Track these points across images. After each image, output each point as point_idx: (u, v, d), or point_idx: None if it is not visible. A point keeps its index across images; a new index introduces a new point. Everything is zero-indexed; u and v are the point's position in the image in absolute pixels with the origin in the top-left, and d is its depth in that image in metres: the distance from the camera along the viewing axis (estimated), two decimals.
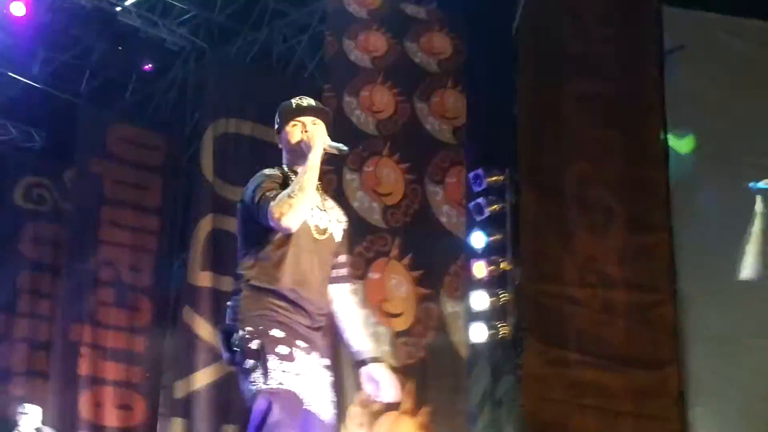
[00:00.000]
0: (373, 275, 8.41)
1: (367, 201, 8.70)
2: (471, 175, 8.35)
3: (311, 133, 3.33)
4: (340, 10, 9.33)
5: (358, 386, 3.38)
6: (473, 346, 7.90)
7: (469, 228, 8.33)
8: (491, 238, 8.13)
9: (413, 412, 8.17)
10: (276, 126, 3.52)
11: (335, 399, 3.30)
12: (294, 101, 3.48)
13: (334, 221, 3.43)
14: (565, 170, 7.65)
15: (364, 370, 3.35)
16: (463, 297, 8.22)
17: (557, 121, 7.79)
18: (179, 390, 10.04)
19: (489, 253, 8.10)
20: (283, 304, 3.19)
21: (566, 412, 6.88)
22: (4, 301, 11.97)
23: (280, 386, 3.04)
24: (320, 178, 3.32)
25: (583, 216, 7.52)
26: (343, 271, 3.50)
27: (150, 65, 11.54)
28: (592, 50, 7.81)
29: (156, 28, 11.14)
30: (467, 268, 8.18)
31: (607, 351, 7.01)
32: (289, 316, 3.18)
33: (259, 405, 3.03)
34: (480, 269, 8.05)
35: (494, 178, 8.22)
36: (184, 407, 9.97)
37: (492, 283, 7.99)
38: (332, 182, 8.27)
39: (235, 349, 3.13)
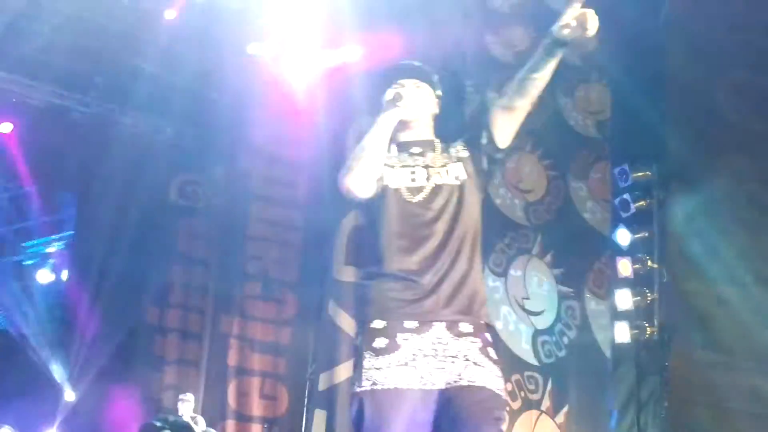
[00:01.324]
0: (515, 272, 8.34)
1: (509, 197, 8.63)
2: (616, 170, 8.14)
3: (387, 96, 3.09)
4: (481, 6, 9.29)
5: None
6: (617, 345, 7.69)
7: (614, 225, 8.12)
8: (637, 235, 7.89)
9: (554, 412, 8.05)
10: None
11: (483, 362, 2.87)
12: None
13: (444, 173, 3.07)
14: (717, 165, 7.36)
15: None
16: (608, 295, 8.02)
17: (709, 113, 7.49)
18: (323, 382, 10.22)
19: (634, 250, 7.87)
20: (384, 285, 2.94)
21: (714, 416, 6.63)
22: (159, 293, 12.45)
23: (374, 387, 2.82)
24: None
25: (735, 212, 7.22)
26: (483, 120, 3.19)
27: None
28: (747, 39, 7.48)
29: (300, 27, 11.33)
30: (612, 266, 7.98)
31: (757, 353, 6.70)
32: (391, 296, 2.91)
33: (351, 410, 2.91)
34: (625, 267, 7.83)
35: (641, 174, 7.97)
36: (327, 399, 10.14)
37: (637, 282, 7.75)
38: None
39: None
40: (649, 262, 7.77)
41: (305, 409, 11.28)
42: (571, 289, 8.33)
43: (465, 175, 3.08)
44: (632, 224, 7.92)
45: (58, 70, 12.17)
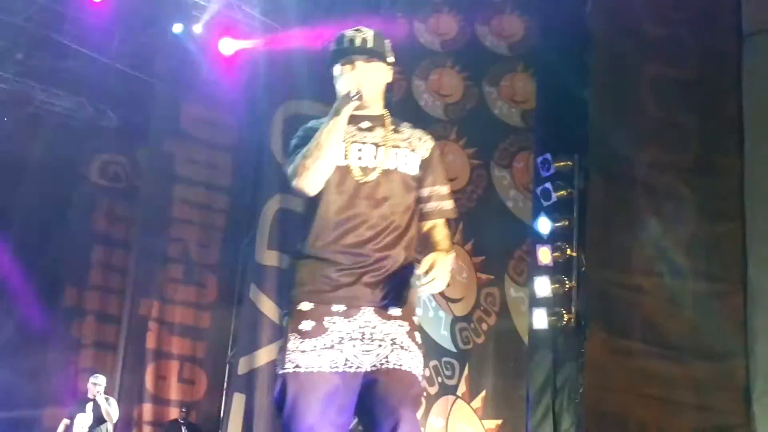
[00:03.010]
0: None
1: None
2: (539, 159, 8.21)
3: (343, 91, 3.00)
4: None
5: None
6: (535, 332, 7.78)
7: (535, 213, 8.19)
8: (557, 224, 7.97)
9: (470, 397, 8.11)
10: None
11: (410, 347, 2.87)
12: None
13: (392, 156, 3.00)
14: (636, 156, 7.46)
15: (429, 255, 2.87)
16: (527, 282, 8.10)
17: (630, 105, 7.59)
18: (243, 366, 10.16)
19: (555, 239, 7.95)
20: (314, 266, 2.89)
21: (628, 402, 6.72)
22: (77, 274, 12.22)
23: (297, 369, 2.79)
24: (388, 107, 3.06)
25: (653, 203, 7.32)
26: (431, 206, 3.06)
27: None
28: (668, 33, 7.59)
29: (230, 8, 11.22)
30: (532, 254, 8.05)
31: (672, 341, 6.81)
32: (321, 278, 2.86)
33: (275, 392, 2.86)
34: (545, 255, 7.91)
35: (563, 163, 8.05)
36: (247, 383, 10.08)
37: (556, 270, 7.84)
38: None
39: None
40: (569, 251, 7.86)
41: (224, 392, 11.21)
42: (491, 277, 8.39)
43: (416, 171, 3.04)
44: (553, 213, 8.00)
45: None
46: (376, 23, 10.19)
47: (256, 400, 9.97)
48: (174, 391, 11.40)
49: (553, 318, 7.60)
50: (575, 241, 7.85)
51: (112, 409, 8.88)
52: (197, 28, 11.22)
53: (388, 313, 2.87)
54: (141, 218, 11.89)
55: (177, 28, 11.28)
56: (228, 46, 11.39)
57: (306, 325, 2.82)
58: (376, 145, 3.00)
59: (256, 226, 10.62)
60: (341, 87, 3.00)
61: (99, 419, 8.84)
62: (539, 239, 8.01)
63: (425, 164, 3.07)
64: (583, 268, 7.70)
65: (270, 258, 10.33)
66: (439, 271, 2.77)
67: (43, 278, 12.17)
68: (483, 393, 8.06)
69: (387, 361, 2.82)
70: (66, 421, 8.95)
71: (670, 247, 7.21)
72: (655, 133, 7.49)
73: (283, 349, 2.84)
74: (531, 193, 8.32)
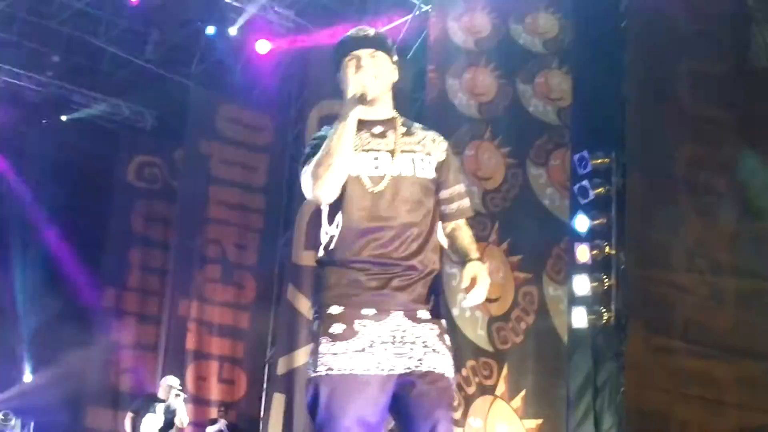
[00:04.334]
0: None
1: (467, 185, 8.62)
2: (576, 157, 8.15)
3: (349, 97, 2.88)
4: None
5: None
6: (574, 330, 7.74)
7: (572, 211, 8.14)
8: (595, 222, 7.92)
9: (509, 397, 8.09)
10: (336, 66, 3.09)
11: (441, 350, 2.84)
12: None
13: (408, 161, 2.95)
14: (675, 152, 7.40)
15: (467, 266, 2.87)
16: (566, 281, 8.06)
17: (667, 101, 7.54)
18: (282, 366, 10.21)
19: (593, 236, 7.89)
20: (341, 271, 2.85)
21: (669, 401, 6.68)
22: (115, 276, 12.35)
23: (329, 372, 2.75)
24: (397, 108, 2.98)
25: (693, 200, 7.27)
26: (453, 207, 3.03)
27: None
28: (704, 28, 7.53)
29: (264, 9, 11.27)
30: (570, 252, 8.00)
31: (713, 340, 6.76)
32: (348, 282, 2.83)
33: (307, 395, 2.82)
34: (583, 253, 7.86)
35: (600, 161, 7.99)
36: (286, 383, 10.13)
37: (595, 268, 7.78)
38: None
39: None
40: (607, 248, 7.80)
41: (264, 393, 11.27)
42: (528, 275, 8.35)
43: (433, 174, 2.99)
44: (591, 210, 7.94)
45: (13, 49, 12.00)
46: (410, 22, 10.22)
47: (295, 400, 10.02)
48: (214, 392, 11.50)
49: (593, 317, 7.56)
50: (614, 238, 7.79)
51: (185, 416, 8.77)
52: (232, 30, 11.29)
53: (418, 316, 2.85)
54: (178, 219, 11.97)
55: (210, 29, 11.35)
56: (263, 46, 11.46)
57: (337, 328, 2.79)
58: (391, 152, 2.94)
59: (292, 226, 10.66)
60: (346, 89, 2.92)
61: (169, 424, 8.71)
62: (577, 237, 7.96)
63: (442, 166, 3.02)
64: (623, 266, 7.64)
65: (307, 258, 10.37)
66: (482, 284, 2.80)
67: (82, 279, 12.34)
68: (523, 392, 8.03)
69: (420, 364, 2.80)
70: (131, 414, 8.84)
71: (710, 243, 7.16)
72: (694, 129, 7.44)
73: (314, 353, 2.81)
74: (568, 191, 8.26)
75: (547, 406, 7.95)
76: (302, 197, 10.00)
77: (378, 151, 2.94)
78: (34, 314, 12.12)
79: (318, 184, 2.80)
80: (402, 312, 2.84)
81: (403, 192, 2.91)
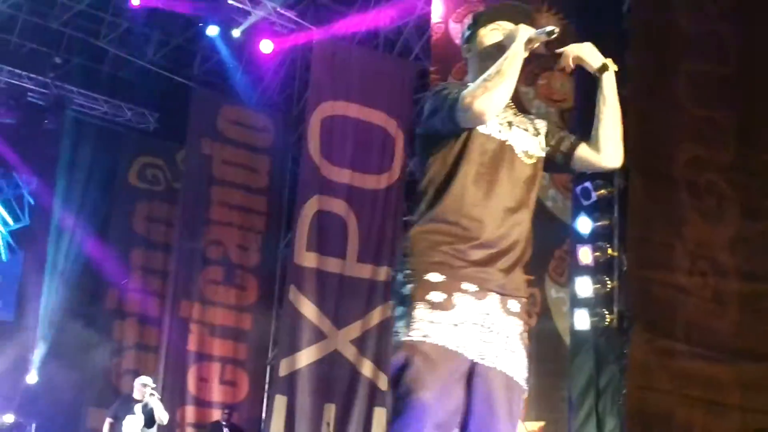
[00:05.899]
0: None
1: None
2: None
3: (513, 29, 2.82)
4: None
5: None
6: (577, 332, 7.72)
7: (575, 213, 8.12)
8: (598, 224, 7.89)
9: None
10: (466, 35, 3.01)
11: (518, 350, 2.74)
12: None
13: (526, 138, 2.90)
14: (676, 154, 7.40)
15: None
16: (568, 283, 8.04)
17: (668, 102, 7.53)
18: (284, 368, 10.20)
19: (595, 238, 7.87)
20: (449, 239, 2.70)
21: (671, 403, 6.68)
22: (117, 277, 12.35)
23: (425, 338, 2.61)
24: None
25: (695, 202, 7.26)
26: (569, 141, 2.99)
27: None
28: (706, 28, 7.52)
29: (265, 9, 11.27)
30: (573, 254, 7.98)
31: (716, 342, 6.76)
32: (455, 253, 2.69)
33: (397, 359, 2.64)
34: (585, 255, 7.83)
35: None
36: (288, 385, 10.13)
37: (598, 270, 7.76)
38: None
39: (393, 295, 2.73)
40: (609, 250, 7.78)
41: (266, 394, 11.28)
42: (532, 277, 8.34)
43: (541, 152, 2.93)
44: (593, 212, 7.92)
45: (15, 50, 12.00)
46: (412, 23, 10.16)
47: (297, 401, 10.02)
48: (216, 393, 11.49)
49: (595, 319, 7.54)
50: (616, 240, 7.77)
51: (163, 413, 8.85)
52: (236, 32, 11.28)
53: (508, 306, 2.74)
54: (180, 220, 11.97)
55: (212, 30, 11.35)
56: (266, 46, 11.46)
57: (436, 296, 2.65)
58: (510, 123, 2.89)
59: (294, 227, 10.66)
60: (517, 32, 2.81)
61: (150, 421, 8.82)
62: (580, 239, 7.94)
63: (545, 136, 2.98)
64: (625, 268, 7.63)
65: (309, 259, 10.38)
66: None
67: (84, 280, 12.34)
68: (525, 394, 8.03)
69: (497, 359, 2.68)
70: (110, 419, 8.92)
71: (712, 245, 7.15)
72: (694, 130, 7.43)
73: (406, 316, 2.64)
74: (570, 193, 8.24)
75: (549, 409, 7.93)
76: (304, 199, 9.89)
77: (503, 120, 2.88)
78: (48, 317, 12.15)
79: (487, 96, 2.63)
80: (498, 296, 2.73)
81: (527, 169, 2.86)
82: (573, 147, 2.99)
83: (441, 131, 2.78)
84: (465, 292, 2.67)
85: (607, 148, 2.99)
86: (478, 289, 2.69)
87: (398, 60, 11.27)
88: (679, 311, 6.98)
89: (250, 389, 11.65)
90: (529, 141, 2.91)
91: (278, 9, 11.22)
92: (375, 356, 10.27)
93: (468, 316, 2.66)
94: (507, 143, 2.84)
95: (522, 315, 2.79)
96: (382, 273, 10.39)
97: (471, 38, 2.97)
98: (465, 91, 2.66)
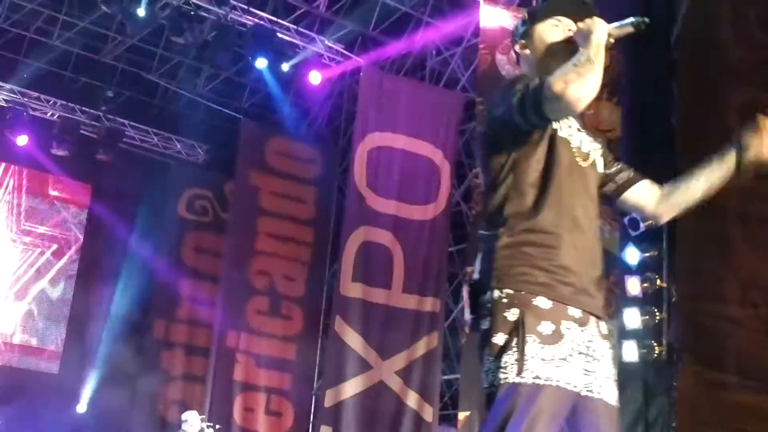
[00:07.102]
0: None
1: None
2: None
3: (586, 23, 2.56)
4: (494, 24, 9.28)
5: None
6: (625, 365, 7.61)
7: (623, 243, 8.05)
8: (646, 254, 7.82)
9: None
10: (521, 31, 2.83)
11: (612, 375, 2.53)
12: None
13: (596, 148, 2.71)
14: (726, 183, 7.28)
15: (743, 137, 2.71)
16: (616, 314, 7.95)
17: (718, 133, 7.42)
18: (329, 398, 10.18)
19: (644, 269, 7.79)
20: (548, 253, 2.45)
21: None
22: (165, 307, 12.47)
23: (537, 381, 2.34)
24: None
25: (746, 232, 7.14)
26: (627, 174, 2.77)
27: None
28: (758, 57, 7.44)
29: (313, 43, 11.39)
30: (621, 285, 7.90)
31: (766, 373, 6.61)
32: (556, 271, 2.44)
33: (506, 404, 2.35)
34: (634, 286, 7.75)
35: None
36: (334, 416, 10.09)
37: (646, 301, 7.68)
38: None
39: (485, 314, 2.43)
40: (658, 281, 7.69)
41: (311, 425, 11.25)
42: None
43: (602, 169, 2.73)
44: (641, 243, 7.85)
45: (69, 84, 12.26)
46: (459, 54, 10.18)
47: None
48: (261, 424, 11.50)
49: (644, 350, 7.44)
50: (665, 271, 7.68)
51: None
52: (285, 66, 11.40)
53: (601, 329, 2.52)
54: (227, 251, 12.07)
55: (261, 63, 11.51)
56: (315, 77, 11.58)
57: (546, 328, 2.38)
58: (579, 130, 2.70)
59: (340, 258, 10.69)
60: (593, 25, 2.57)
61: None
62: (627, 270, 7.86)
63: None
64: (674, 299, 7.52)
65: (354, 290, 10.38)
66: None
67: (132, 310, 12.47)
68: None
69: (601, 388, 2.46)
70: None
71: (764, 276, 7.02)
72: None
73: (517, 352, 2.36)
74: (618, 223, 8.17)
75: None
76: (350, 229, 9.92)
77: (574, 126, 2.69)
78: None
79: (579, 83, 2.39)
80: (596, 320, 2.51)
81: (594, 176, 2.67)
82: (629, 183, 2.79)
83: (520, 126, 2.53)
84: (571, 318, 2.44)
85: (669, 210, 2.84)
86: (581, 314, 2.46)
87: (445, 91, 11.31)
88: (730, 343, 6.84)
89: (295, 420, 11.65)
90: (599, 153, 2.74)
91: (327, 42, 11.34)
92: (420, 387, 10.20)
93: (575, 346, 2.42)
94: (584, 149, 2.67)
95: (611, 334, 2.59)
96: (428, 304, 10.36)
97: (527, 34, 2.79)
98: (553, 78, 2.39)
